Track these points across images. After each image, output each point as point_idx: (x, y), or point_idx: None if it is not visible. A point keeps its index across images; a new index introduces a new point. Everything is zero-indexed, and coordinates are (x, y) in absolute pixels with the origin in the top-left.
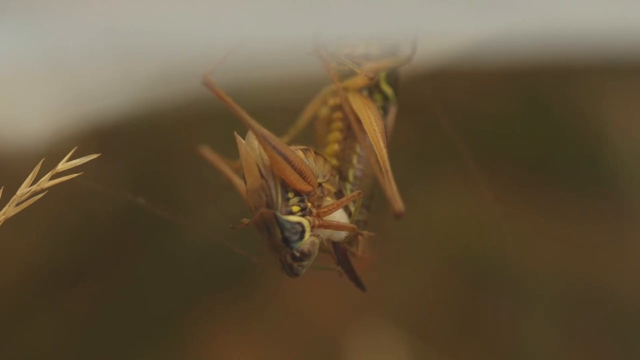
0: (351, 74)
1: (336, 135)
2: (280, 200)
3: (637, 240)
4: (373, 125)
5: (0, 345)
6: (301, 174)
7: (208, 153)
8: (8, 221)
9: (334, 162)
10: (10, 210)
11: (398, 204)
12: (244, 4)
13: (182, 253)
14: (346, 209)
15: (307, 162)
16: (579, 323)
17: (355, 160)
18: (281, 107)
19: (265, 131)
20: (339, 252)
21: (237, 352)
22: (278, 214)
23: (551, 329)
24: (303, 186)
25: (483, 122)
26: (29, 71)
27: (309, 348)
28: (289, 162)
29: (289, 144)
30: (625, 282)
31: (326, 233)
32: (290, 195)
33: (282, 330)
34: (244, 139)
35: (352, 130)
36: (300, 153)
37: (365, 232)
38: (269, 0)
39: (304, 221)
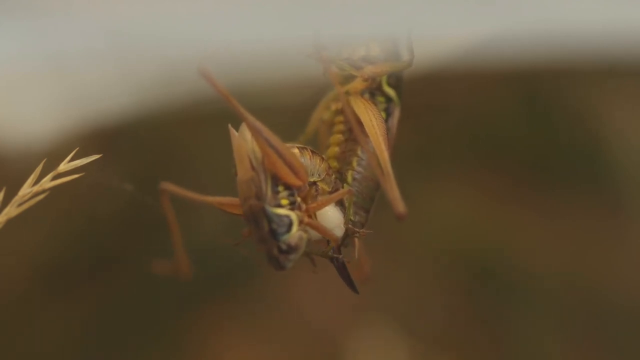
0: (352, 77)
1: (337, 137)
2: (269, 192)
3: (636, 239)
4: (375, 127)
5: (4, 344)
6: (292, 168)
7: (171, 187)
8: (10, 222)
9: (334, 164)
10: (12, 210)
11: (400, 206)
12: (244, 6)
13: None
14: (341, 208)
15: (302, 160)
16: (579, 322)
17: (355, 162)
18: (280, 108)
19: (258, 124)
20: (334, 253)
21: (237, 352)
22: (266, 206)
23: (551, 328)
24: (293, 180)
25: (483, 122)
26: (32, 72)
27: (309, 348)
28: (280, 155)
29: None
30: (625, 282)
31: (318, 233)
32: (281, 188)
33: (282, 330)
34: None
35: (353, 133)
36: (296, 150)
37: (361, 231)
38: (269, 2)
39: (292, 214)
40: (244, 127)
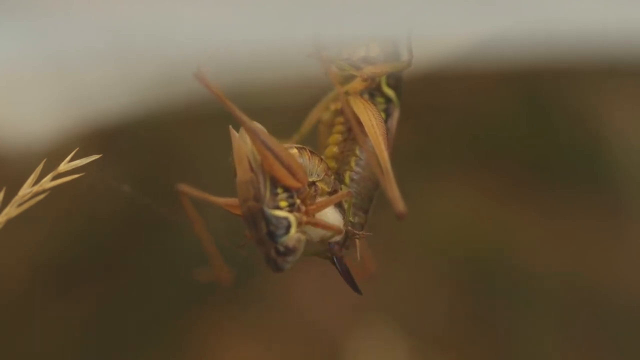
0: (352, 77)
1: (336, 137)
2: (268, 194)
3: (636, 239)
4: (374, 127)
5: (5, 344)
6: (290, 170)
7: (188, 190)
8: (10, 222)
9: (333, 164)
10: (12, 210)
11: (400, 205)
12: (244, 6)
13: (183, 253)
14: (340, 209)
15: (301, 161)
16: (579, 322)
17: (353, 163)
18: (280, 108)
19: (255, 126)
20: (335, 255)
21: (237, 352)
22: (264, 207)
23: (551, 328)
24: (291, 182)
25: (483, 123)
26: (32, 72)
27: (309, 348)
28: (278, 157)
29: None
30: (625, 282)
31: (318, 234)
32: (279, 190)
33: (282, 330)
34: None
35: (352, 133)
36: (295, 151)
37: (361, 233)
38: (269, 2)
39: (291, 217)
40: (244, 129)
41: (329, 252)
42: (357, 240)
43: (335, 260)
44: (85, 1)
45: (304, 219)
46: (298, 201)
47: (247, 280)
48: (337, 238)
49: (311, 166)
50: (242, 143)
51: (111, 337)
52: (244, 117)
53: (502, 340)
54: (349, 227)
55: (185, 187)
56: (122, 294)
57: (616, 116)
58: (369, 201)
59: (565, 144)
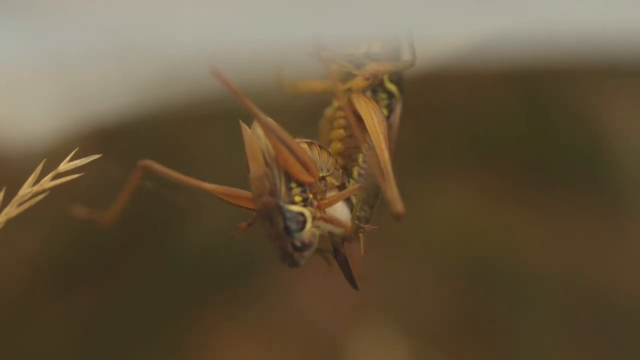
0: (354, 74)
1: (339, 132)
2: (283, 189)
3: (636, 239)
4: (376, 126)
5: (5, 344)
6: (304, 164)
7: (153, 165)
8: (10, 222)
9: (339, 159)
10: (12, 210)
11: (398, 206)
12: (244, 6)
13: (183, 253)
14: (348, 203)
15: (311, 155)
16: (579, 322)
17: (360, 159)
18: (280, 108)
19: (270, 121)
20: (337, 249)
21: (237, 352)
22: (281, 202)
23: (551, 328)
24: (305, 177)
25: (483, 123)
26: (32, 72)
27: (309, 348)
28: (292, 152)
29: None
30: (625, 282)
31: (326, 227)
32: (293, 185)
33: (282, 330)
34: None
35: (355, 133)
36: (305, 145)
37: (367, 226)
38: (269, 2)
39: (306, 211)
40: (256, 124)
41: (332, 245)
42: (360, 235)
43: (335, 254)
44: (85, 1)
45: (317, 213)
46: (311, 196)
47: (247, 281)
48: (345, 232)
49: (321, 161)
50: (255, 137)
51: (111, 337)
52: (259, 113)
53: (502, 340)
54: (355, 221)
55: (149, 163)
56: (122, 294)
57: (616, 116)
58: (374, 197)
59: (565, 144)
